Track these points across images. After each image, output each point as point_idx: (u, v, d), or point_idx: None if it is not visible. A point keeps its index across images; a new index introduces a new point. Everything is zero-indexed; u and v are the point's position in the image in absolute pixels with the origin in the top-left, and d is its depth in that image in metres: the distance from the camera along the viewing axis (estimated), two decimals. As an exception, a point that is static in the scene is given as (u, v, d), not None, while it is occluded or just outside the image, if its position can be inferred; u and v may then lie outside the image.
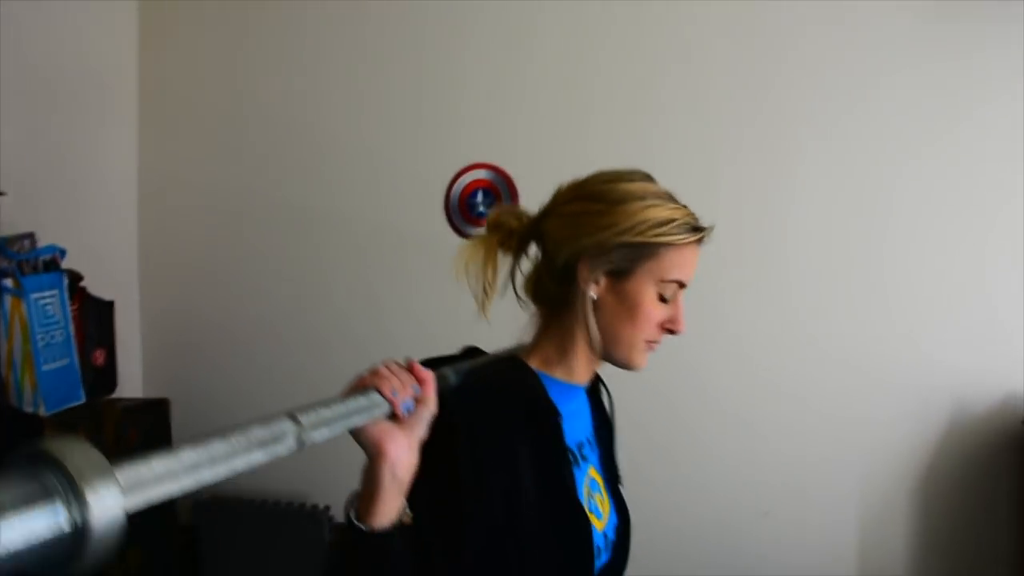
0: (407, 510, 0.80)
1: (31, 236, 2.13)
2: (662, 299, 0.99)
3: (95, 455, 0.50)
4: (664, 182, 1.02)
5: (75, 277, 2.24)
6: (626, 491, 1.11)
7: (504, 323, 1.04)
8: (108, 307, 2.38)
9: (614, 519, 1.07)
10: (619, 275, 0.98)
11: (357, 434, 0.77)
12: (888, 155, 2.31)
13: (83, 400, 2.18)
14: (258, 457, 0.62)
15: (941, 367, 2.30)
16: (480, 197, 2.57)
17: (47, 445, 0.49)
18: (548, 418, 0.97)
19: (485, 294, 1.02)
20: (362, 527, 0.76)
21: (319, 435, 0.68)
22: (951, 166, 2.28)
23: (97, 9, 2.60)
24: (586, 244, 0.97)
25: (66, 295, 2.17)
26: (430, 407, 0.82)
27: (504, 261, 1.05)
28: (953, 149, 2.27)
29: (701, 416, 2.46)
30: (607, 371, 1.08)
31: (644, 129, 2.41)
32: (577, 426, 1.05)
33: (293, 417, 0.66)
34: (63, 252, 2.19)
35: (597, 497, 1.04)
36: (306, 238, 2.69)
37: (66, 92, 2.44)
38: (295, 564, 2.42)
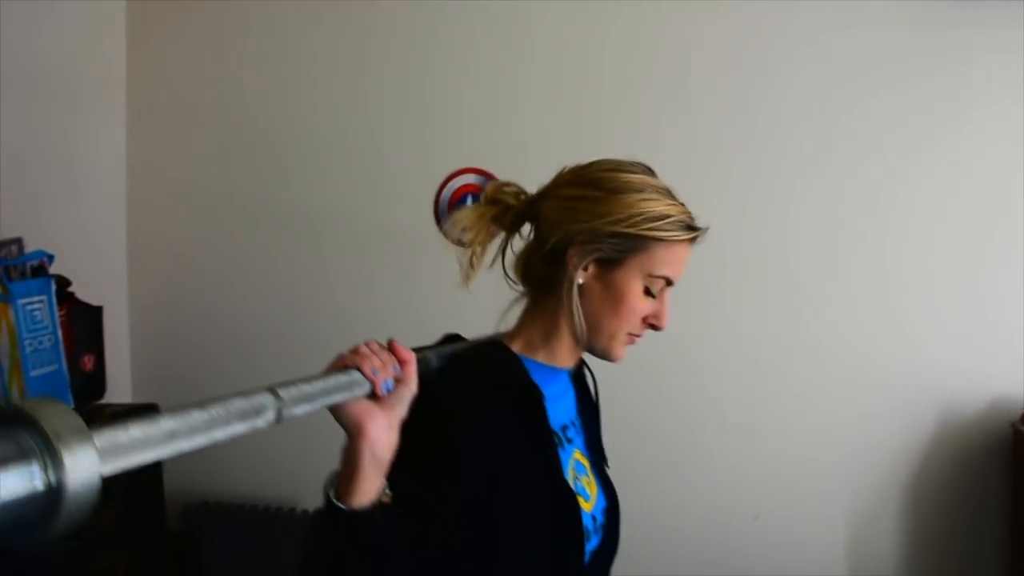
0: (386, 490, 0.80)
1: (18, 241, 2.13)
2: (649, 293, 0.99)
3: (73, 418, 0.50)
4: (665, 181, 1.03)
5: (63, 282, 2.24)
6: (613, 474, 1.11)
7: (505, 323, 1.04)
8: (97, 312, 2.37)
9: (602, 501, 1.07)
10: (608, 264, 0.98)
11: (337, 412, 0.77)
12: (886, 157, 2.30)
13: (72, 406, 2.17)
14: (238, 429, 0.62)
15: (931, 369, 2.30)
16: (469, 202, 2.57)
17: (25, 406, 0.49)
18: (532, 399, 0.97)
19: (471, 265, 1.03)
20: (341, 506, 0.76)
21: (299, 410, 0.69)
22: (947, 169, 2.27)
23: (83, 8, 2.57)
24: (579, 229, 0.97)
25: (54, 300, 2.16)
26: (411, 387, 0.82)
27: (495, 252, 1.06)
28: (949, 152, 2.27)
29: (684, 414, 2.45)
30: (605, 370, 1.08)
31: (644, 131, 2.40)
32: (561, 409, 1.05)
33: (274, 391, 0.67)
34: (51, 257, 2.18)
35: (584, 479, 1.04)
36: (297, 242, 2.68)
37: (53, 94, 2.43)
38: (286, 569, 2.41)
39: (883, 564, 2.37)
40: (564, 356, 1.04)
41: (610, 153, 1.05)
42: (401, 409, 0.81)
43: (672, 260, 0.99)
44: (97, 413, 2.26)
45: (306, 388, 0.70)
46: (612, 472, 1.13)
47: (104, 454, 0.51)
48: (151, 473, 2.34)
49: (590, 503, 1.03)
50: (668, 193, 1.00)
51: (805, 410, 2.38)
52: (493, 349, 1.03)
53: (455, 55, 2.57)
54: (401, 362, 0.82)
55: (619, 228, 0.96)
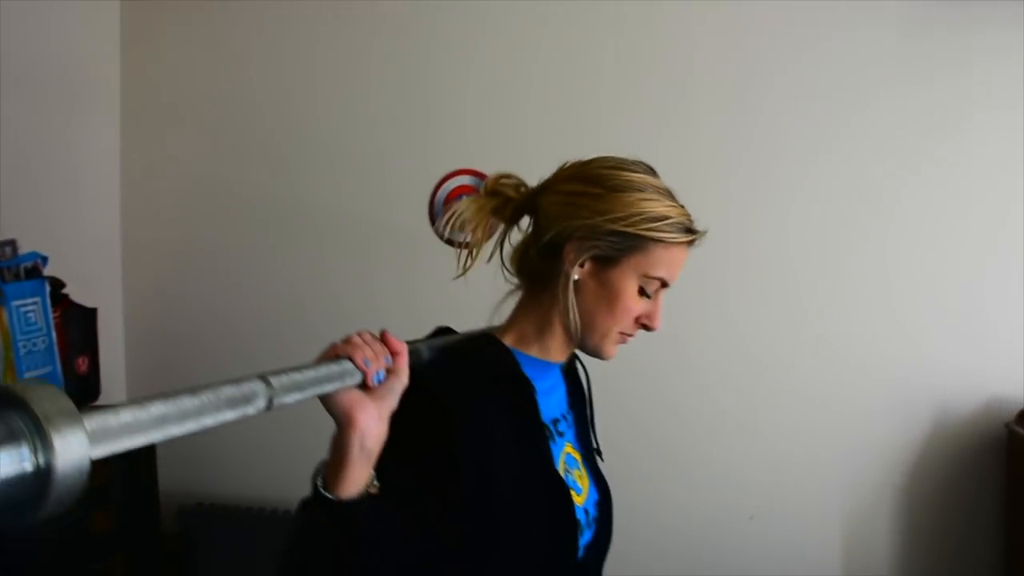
0: (375, 481, 0.80)
1: (12, 243, 2.13)
2: (643, 294, 0.99)
3: (64, 400, 0.51)
4: (666, 181, 1.03)
5: (57, 284, 2.24)
6: (610, 471, 1.11)
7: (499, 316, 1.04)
8: (91, 314, 2.37)
9: (594, 495, 1.07)
10: (605, 262, 0.98)
11: (327, 402, 0.77)
12: (887, 158, 2.30)
13: (66, 406, 2.16)
14: (228, 415, 0.63)
15: (930, 369, 2.30)
16: (465, 202, 2.57)
17: (15, 388, 0.49)
18: (523, 392, 0.97)
19: (470, 255, 1.03)
20: (329, 496, 0.77)
21: (290, 398, 0.69)
22: (947, 170, 2.28)
23: (78, 9, 2.57)
24: (578, 225, 0.97)
25: (48, 302, 2.16)
26: (402, 379, 0.82)
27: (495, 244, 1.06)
28: (949, 152, 2.27)
29: (683, 413, 2.45)
30: (604, 368, 1.08)
31: (644, 131, 2.41)
32: (552, 402, 1.05)
33: (264, 379, 0.67)
34: (45, 259, 2.18)
35: (575, 473, 1.04)
36: (295, 244, 2.68)
37: (47, 95, 2.43)
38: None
39: (878, 563, 2.37)
40: (556, 351, 1.04)
41: (610, 153, 1.05)
42: (392, 400, 0.81)
43: (669, 262, 0.98)
44: (91, 415, 2.25)
45: (297, 377, 0.70)
46: (609, 469, 1.13)
47: (94, 437, 0.52)
48: (146, 475, 2.34)
49: (582, 496, 1.03)
50: (669, 194, 1.00)
51: (803, 409, 2.38)
52: (485, 342, 1.03)
53: (456, 54, 2.58)
54: (393, 353, 0.82)
55: (618, 226, 0.96)
